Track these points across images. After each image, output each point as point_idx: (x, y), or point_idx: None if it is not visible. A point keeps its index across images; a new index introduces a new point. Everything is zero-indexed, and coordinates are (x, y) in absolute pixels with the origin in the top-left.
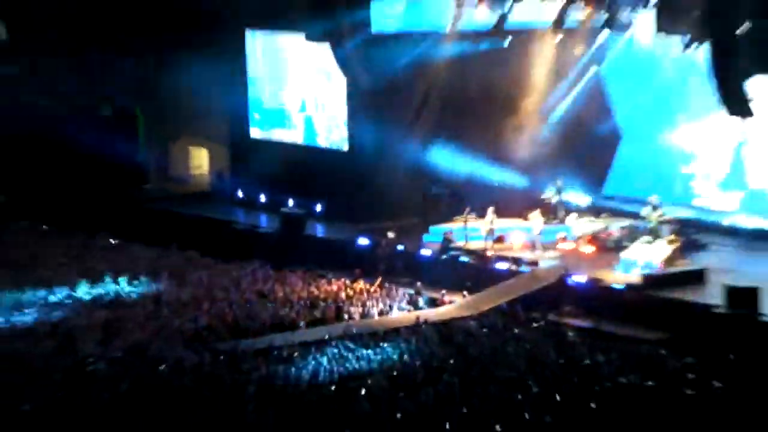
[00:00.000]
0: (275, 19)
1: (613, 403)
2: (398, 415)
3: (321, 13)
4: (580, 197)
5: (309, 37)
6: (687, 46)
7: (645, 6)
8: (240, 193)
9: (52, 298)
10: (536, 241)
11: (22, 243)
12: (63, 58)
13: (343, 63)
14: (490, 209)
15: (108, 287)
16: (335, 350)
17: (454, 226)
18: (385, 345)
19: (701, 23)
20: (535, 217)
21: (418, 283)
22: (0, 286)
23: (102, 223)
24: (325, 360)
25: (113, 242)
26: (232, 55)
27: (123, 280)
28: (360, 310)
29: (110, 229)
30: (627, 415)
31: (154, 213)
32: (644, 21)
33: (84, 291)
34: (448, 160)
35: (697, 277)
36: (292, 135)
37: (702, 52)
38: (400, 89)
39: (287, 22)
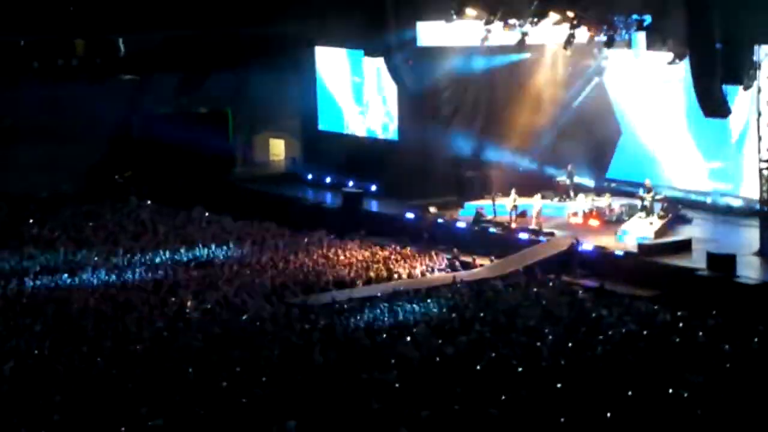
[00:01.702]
0: (339, 38)
1: (614, 348)
2: (437, 358)
3: (376, 31)
4: (587, 180)
5: (367, 53)
6: (671, 62)
7: (637, 29)
8: (309, 176)
9: (158, 260)
10: (539, 216)
11: (134, 216)
12: (168, 71)
13: (395, 72)
14: (513, 190)
15: (202, 251)
16: (386, 304)
17: (484, 203)
18: (428, 300)
19: (682, 43)
20: (536, 199)
21: (455, 250)
22: (115, 249)
23: (198, 200)
24: (378, 312)
25: (207, 215)
26: (304, 66)
27: (214, 246)
28: (407, 271)
29: (204, 204)
30: (626, 358)
31: (239, 191)
32: (637, 40)
33: (182, 254)
34: (480, 148)
35: (683, 246)
36: (353, 128)
37: (682, 66)
38: (440, 92)
39: (349, 40)
